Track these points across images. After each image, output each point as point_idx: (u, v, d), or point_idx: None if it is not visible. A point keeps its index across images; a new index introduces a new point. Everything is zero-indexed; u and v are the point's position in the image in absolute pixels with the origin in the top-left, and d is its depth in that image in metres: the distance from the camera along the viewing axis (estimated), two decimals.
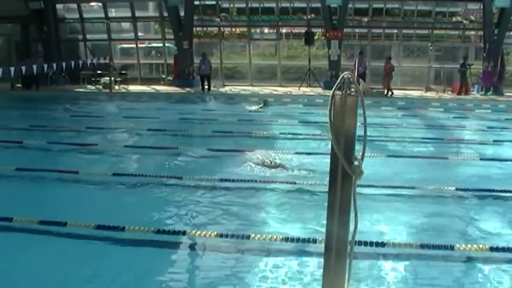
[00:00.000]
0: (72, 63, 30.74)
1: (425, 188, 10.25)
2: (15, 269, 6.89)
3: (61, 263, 7.08)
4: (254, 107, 23.66)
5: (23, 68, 27.35)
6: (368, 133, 3.52)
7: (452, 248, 7.22)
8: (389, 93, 29.21)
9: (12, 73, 27.30)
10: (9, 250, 7.54)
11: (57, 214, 8.44)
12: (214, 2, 33.94)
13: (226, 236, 7.57)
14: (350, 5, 31.41)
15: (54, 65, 29.67)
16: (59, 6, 35.62)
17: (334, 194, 3.61)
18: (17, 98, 29.28)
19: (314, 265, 6.67)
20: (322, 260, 3.98)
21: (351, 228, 3.77)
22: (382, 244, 7.21)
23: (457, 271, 6.88)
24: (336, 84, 3.44)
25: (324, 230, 3.88)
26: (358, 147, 3.65)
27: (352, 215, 3.68)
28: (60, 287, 6.46)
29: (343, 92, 3.42)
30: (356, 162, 3.52)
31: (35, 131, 17.51)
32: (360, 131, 3.53)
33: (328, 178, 3.66)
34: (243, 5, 33.73)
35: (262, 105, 23.88)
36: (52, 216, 8.24)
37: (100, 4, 35.21)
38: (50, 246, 7.66)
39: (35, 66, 28.24)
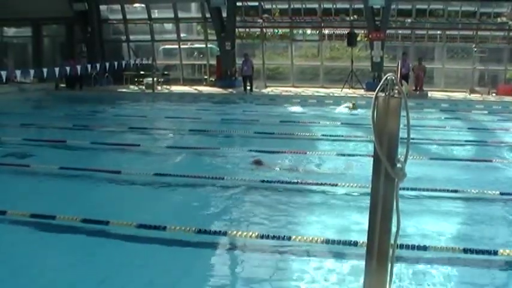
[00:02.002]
0: (116, 63, 31.08)
1: (468, 191, 10.10)
2: (57, 267, 6.96)
3: (103, 261, 7.14)
4: (344, 108, 23.33)
5: (67, 68, 27.73)
6: (411, 135, 3.49)
7: (495, 253, 7.08)
8: (418, 90, 28.82)
9: (57, 73, 27.71)
10: (51, 248, 7.64)
11: (100, 213, 8.51)
12: (256, 3, 33.92)
13: (267, 237, 7.55)
14: (393, 6, 31.10)
15: (98, 66, 30.04)
16: (102, 7, 35.96)
17: (377, 196, 3.58)
18: (61, 98, 29.62)
19: (355, 268, 6.62)
20: (363, 262, 3.95)
21: (393, 230, 3.73)
22: (424, 248, 7.12)
23: (500, 277, 6.76)
24: (379, 86, 3.41)
25: (365, 232, 3.86)
26: (401, 149, 3.62)
27: (394, 217, 3.64)
28: (101, 286, 6.51)
29: (387, 93, 3.38)
30: (399, 165, 3.49)
31: (79, 131, 17.71)
32: (402, 133, 3.49)
33: (370, 180, 3.63)
34: (285, 6, 33.65)
35: (351, 106, 23.31)
36: (94, 215, 8.32)
37: (143, 5, 35.45)
38: (92, 244, 7.73)
39: (79, 67, 28.62)
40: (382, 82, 3.40)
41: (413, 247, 7.04)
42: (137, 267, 7.00)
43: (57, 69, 27.79)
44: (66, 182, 11.28)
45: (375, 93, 3.41)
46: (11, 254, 7.39)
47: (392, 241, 3.71)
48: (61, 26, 37.09)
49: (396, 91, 3.40)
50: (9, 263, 7.03)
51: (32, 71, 27.74)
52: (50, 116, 21.97)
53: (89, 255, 7.34)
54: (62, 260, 7.18)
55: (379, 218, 3.60)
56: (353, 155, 13.37)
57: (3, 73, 25.65)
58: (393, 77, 3.40)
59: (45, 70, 27.49)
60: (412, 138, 3.40)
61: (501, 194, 10.00)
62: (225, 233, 7.88)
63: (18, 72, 26.71)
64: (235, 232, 7.89)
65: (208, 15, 33.50)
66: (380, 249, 3.65)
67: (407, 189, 9.24)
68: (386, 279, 3.75)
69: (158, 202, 10.01)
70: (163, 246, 7.64)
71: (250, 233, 7.71)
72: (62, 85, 32.77)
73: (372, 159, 3.49)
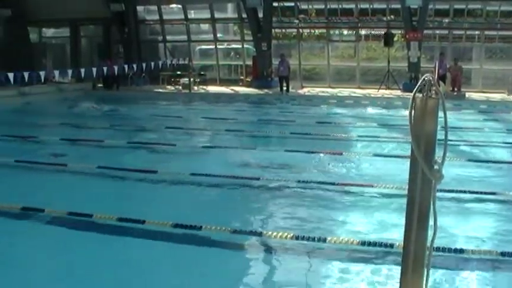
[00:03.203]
0: (152, 64, 31.25)
1: (506, 193, 9.97)
2: (93, 264, 7.02)
3: (138, 260, 7.19)
4: None
5: (105, 68, 27.99)
6: (448, 136, 3.45)
7: None
8: (456, 91, 28.54)
9: (94, 73, 27.99)
10: (88, 246, 7.70)
11: (136, 212, 8.56)
12: (293, 4, 33.84)
13: (302, 238, 7.53)
14: (430, 6, 30.80)
15: (135, 66, 30.24)
16: (139, 8, 36.20)
17: (413, 198, 3.54)
18: (98, 98, 29.87)
19: (391, 270, 6.57)
20: (399, 265, 3.92)
21: (430, 233, 3.69)
22: (461, 251, 7.05)
23: None
24: (417, 86, 3.37)
25: (401, 234, 3.82)
26: (438, 151, 3.58)
27: (431, 219, 3.60)
28: (134, 285, 6.54)
29: (424, 94, 3.35)
30: (436, 166, 3.45)
31: (116, 130, 17.86)
32: (440, 135, 3.46)
33: (407, 182, 3.60)
34: (321, 6, 33.53)
35: None
36: (130, 214, 8.37)
37: (180, 6, 35.60)
38: (128, 243, 7.78)
39: (116, 67, 28.86)
40: (419, 83, 3.37)
41: (450, 250, 6.97)
42: (172, 266, 7.03)
43: (94, 70, 28.07)
44: (103, 182, 11.39)
45: (412, 93, 3.37)
46: (50, 252, 7.47)
47: (428, 244, 3.67)
48: (98, 27, 37.44)
49: (434, 92, 3.36)
50: (47, 261, 7.11)
51: (70, 71, 28.07)
52: (88, 116, 22.21)
53: (124, 254, 7.39)
54: (98, 259, 7.23)
55: (415, 220, 3.57)
56: (389, 156, 13.29)
57: (42, 73, 26.00)
58: (431, 78, 3.36)
59: (82, 70, 27.78)
60: (450, 140, 3.36)
61: None
62: (260, 234, 7.89)
63: (56, 72, 27.04)
64: (270, 233, 7.88)
65: (244, 15, 33.52)
66: (416, 252, 3.61)
67: (445, 191, 9.15)
68: (422, 282, 3.71)
69: (194, 202, 10.05)
70: (199, 245, 7.66)
71: (285, 234, 7.69)
72: (99, 85, 33.06)
73: (409, 160, 3.46)
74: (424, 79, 3.36)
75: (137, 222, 8.11)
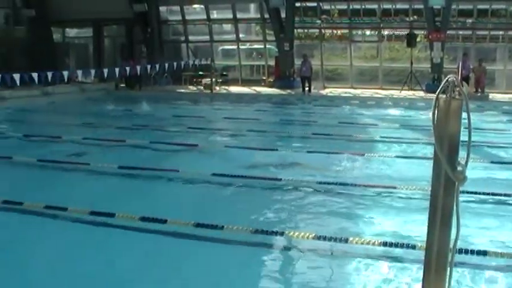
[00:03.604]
0: (175, 64, 31.37)
1: None
2: (115, 264, 7.05)
3: (159, 260, 7.21)
4: None
5: (127, 68, 28.13)
6: (472, 138, 3.43)
7: None
8: (479, 92, 28.36)
9: (117, 73, 28.15)
10: (110, 245, 7.74)
11: (158, 211, 8.58)
12: (315, 4, 33.82)
13: (324, 238, 7.50)
14: (454, 6, 30.62)
15: (157, 66, 30.34)
16: (162, 8, 36.38)
17: (436, 199, 3.52)
18: (120, 98, 30.04)
19: (413, 271, 6.54)
20: (421, 266, 3.90)
21: (453, 235, 3.67)
22: (484, 253, 6.99)
23: None
24: (440, 87, 3.35)
25: (423, 235, 3.80)
26: (461, 152, 3.56)
27: (454, 221, 3.58)
28: (157, 284, 6.56)
29: (448, 95, 3.33)
30: (459, 168, 3.42)
31: (138, 130, 17.93)
32: (463, 136, 3.44)
33: (430, 183, 3.58)
34: (344, 7, 33.47)
35: None
36: (152, 214, 8.39)
37: (202, 6, 35.70)
38: (150, 243, 7.81)
39: (138, 67, 28.99)
40: (443, 83, 3.35)
41: (472, 252, 6.91)
42: (193, 266, 7.04)
43: (117, 70, 28.22)
44: (125, 181, 11.44)
45: (435, 94, 3.35)
46: (72, 251, 7.52)
47: (451, 245, 3.65)
48: (121, 27, 37.67)
49: (457, 93, 3.34)
50: (69, 260, 7.16)
51: (92, 71, 28.26)
52: (110, 116, 22.33)
53: (146, 254, 7.41)
54: (120, 258, 7.26)
55: (438, 221, 3.55)
56: (412, 157, 13.23)
57: (65, 73, 26.18)
58: (454, 79, 3.34)
59: (105, 70, 27.93)
60: (473, 141, 3.33)
61: None
62: (281, 234, 7.88)
63: (79, 72, 27.21)
64: (291, 233, 7.87)
65: (267, 15, 33.56)
66: (439, 254, 3.59)
67: (468, 192, 9.09)
68: (445, 284, 3.69)
69: (215, 201, 10.06)
70: (221, 245, 7.67)
71: (307, 234, 7.67)
72: (122, 85, 33.24)
73: (432, 161, 3.44)
74: (447, 80, 3.34)
75: (159, 222, 8.13)
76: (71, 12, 35.11)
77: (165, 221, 8.14)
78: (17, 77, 22.99)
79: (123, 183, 11.40)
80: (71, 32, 40.99)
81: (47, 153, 13.70)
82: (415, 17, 32.23)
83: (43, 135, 16.49)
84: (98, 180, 11.52)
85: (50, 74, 24.40)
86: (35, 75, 23.56)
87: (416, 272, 6.28)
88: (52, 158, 13.08)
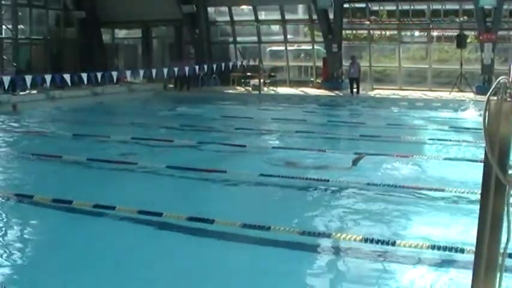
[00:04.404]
0: (223, 65, 31.47)
1: None
2: (164, 263, 7.10)
3: (206, 259, 7.25)
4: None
5: (176, 69, 28.34)
6: None
7: None
8: None
9: (165, 74, 28.38)
10: (158, 244, 7.81)
11: (205, 211, 8.62)
12: (364, 5, 33.62)
13: (371, 241, 7.45)
14: (505, 6, 30.12)
15: (205, 67, 30.48)
16: (210, 9, 36.51)
17: (486, 203, 3.47)
18: (169, 98, 30.29)
19: (461, 275, 6.45)
20: (469, 271, 3.85)
21: (503, 239, 3.62)
22: None
23: None
24: (491, 89, 3.31)
25: (472, 239, 3.76)
26: None
27: (504, 225, 3.53)
28: (205, 285, 6.59)
29: (499, 97, 3.28)
30: (511, 171, 3.38)
31: (185, 131, 18.04)
32: None
33: (479, 187, 3.54)
34: (393, 8, 33.20)
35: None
36: (200, 213, 8.44)
37: (250, 7, 35.74)
38: (197, 243, 7.85)
39: (187, 68, 29.16)
40: (494, 85, 3.30)
41: None
42: (239, 266, 7.06)
43: (165, 70, 28.44)
44: (173, 181, 11.53)
45: (486, 96, 3.31)
46: (120, 250, 7.60)
47: (502, 249, 3.60)
48: (170, 28, 38.05)
49: (509, 95, 3.29)
50: (121, 260, 7.24)
51: (141, 72, 28.50)
52: (158, 116, 22.51)
53: (192, 253, 7.46)
54: (168, 258, 7.32)
55: (488, 225, 3.50)
56: (461, 160, 13.08)
57: (114, 73, 26.48)
58: (506, 80, 3.29)
59: (154, 71, 28.17)
60: None
61: None
62: (328, 235, 7.86)
63: (128, 73, 27.49)
64: (338, 234, 7.85)
65: (315, 16, 33.44)
66: (489, 258, 3.54)
67: None
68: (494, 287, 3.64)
69: (263, 202, 10.07)
70: (267, 246, 7.67)
71: (354, 236, 7.63)
72: (170, 85, 33.50)
73: (482, 164, 3.40)
74: (499, 81, 3.30)
75: (206, 222, 8.16)
76: (120, 13, 35.57)
77: (212, 221, 8.17)
78: (67, 77, 23.33)
79: (171, 182, 11.48)
80: (120, 33, 41.44)
81: (96, 153, 13.87)
82: (465, 17, 31.82)
83: (92, 135, 16.70)
84: (146, 180, 11.63)
85: (99, 75, 24.69)
86: (84, 75, 23.85)
87: (465, 277, 6.20)
88: (101, 157, 13.24)
